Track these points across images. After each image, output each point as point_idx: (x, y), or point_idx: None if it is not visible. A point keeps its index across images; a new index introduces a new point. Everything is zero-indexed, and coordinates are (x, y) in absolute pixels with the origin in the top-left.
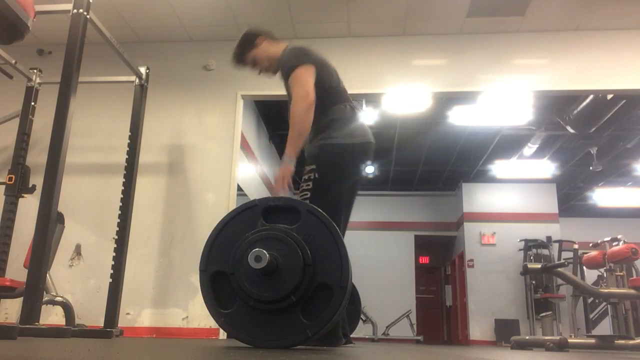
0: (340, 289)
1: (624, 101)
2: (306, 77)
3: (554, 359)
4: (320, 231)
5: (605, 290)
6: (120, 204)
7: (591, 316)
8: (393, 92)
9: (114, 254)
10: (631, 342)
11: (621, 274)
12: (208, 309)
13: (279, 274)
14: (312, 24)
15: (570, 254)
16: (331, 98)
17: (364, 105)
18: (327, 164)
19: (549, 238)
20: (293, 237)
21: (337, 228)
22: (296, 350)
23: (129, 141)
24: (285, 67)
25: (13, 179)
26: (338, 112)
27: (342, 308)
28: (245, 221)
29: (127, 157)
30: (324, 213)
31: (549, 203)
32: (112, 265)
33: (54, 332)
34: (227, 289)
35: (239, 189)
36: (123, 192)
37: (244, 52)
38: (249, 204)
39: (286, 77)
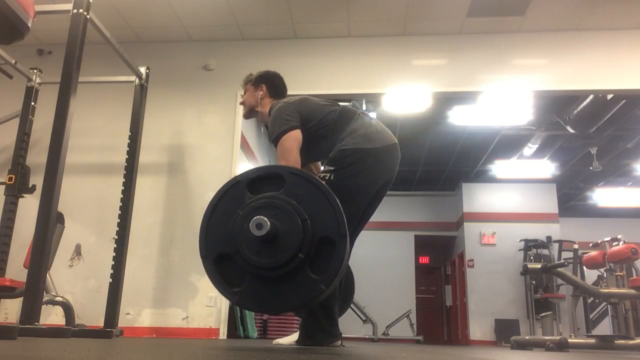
0: (340, 238)
1: (624, 101)
2: (289, 149)
3: (554, 359)
4: (308, 189)
5: (605, 290)
6: (120, 204)
7: (591, 316)
8: (393, 92)
9: (114, 254)
10: (631, 342)
11: (621, 274)
12: (219, 291)
13: (281, 237)
14: (312, 24)
15: (570, 254)
16: (340, 123)
17: (364, 105)
18: (347, 169)
19: (549, 238)
20: (283, 199)
21: (322, 182)
22: (296, 351)
23: (129, 141)
24: (272, 136)
25: (13, 179)
26: (354, 123)
27: (347, 256)
28: (233, 199)
29: (127, 157)
30: (306, 172)
31: (549, 203)
32: (112, 265)
33: (54, 332)
34: (233, 268)
35: None
36: (123, 192)
37: (249, 82)
38: (232, 181)
39: (274, 144)
